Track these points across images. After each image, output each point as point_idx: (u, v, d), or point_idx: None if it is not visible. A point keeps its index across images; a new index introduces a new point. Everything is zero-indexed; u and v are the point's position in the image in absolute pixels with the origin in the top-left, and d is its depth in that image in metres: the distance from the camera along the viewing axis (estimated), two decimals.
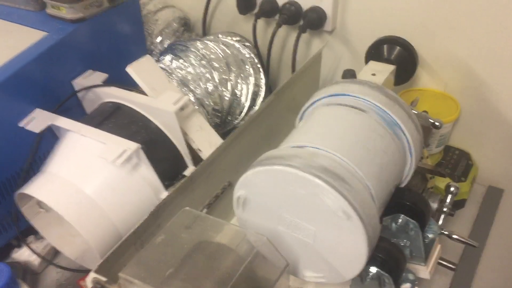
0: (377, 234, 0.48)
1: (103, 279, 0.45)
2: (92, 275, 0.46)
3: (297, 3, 0.91)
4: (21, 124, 0.72)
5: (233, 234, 0.49)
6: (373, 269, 0.50)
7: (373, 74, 0.74)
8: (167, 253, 0.46)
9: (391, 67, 0.76)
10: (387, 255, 0.49)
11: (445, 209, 0.65)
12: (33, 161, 0.74)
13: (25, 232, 0.76)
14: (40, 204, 0.74)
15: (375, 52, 0.80)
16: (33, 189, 0.67)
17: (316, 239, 0.48)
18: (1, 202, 0.73)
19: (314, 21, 0.90)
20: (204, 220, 0.50)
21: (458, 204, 0.87)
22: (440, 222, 0.65)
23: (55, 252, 0.79)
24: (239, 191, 0.52)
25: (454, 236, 0.65)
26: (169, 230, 0.48)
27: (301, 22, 0.92)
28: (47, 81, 0.75)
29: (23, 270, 0.73)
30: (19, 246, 0.77)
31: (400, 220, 0.55)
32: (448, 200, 0.66)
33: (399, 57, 0.79)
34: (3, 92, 0.69)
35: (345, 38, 0.93)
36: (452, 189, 0.66)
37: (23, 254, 0.76)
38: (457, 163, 0.89)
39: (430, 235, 0.58)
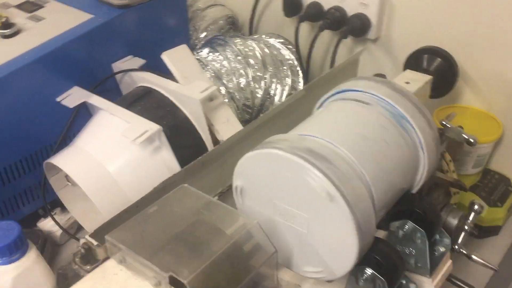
0: (372, 227, 0.46)
1: (94, 242, 0.46)
2: (83, 239, 0.47)
3: (342, 9, 0.91)
4: (58, 99, 0.75)
5: (228, 216, 0.49)
6: (369, 270, 0.47)
7: (407, 82, 0.72)
8: (157, 225, 0.46)
9: (427, 77, 0.73)
10: (383, 258, 0.47)
11: (466, 227, 0.61)
12: (66, 135, 0.77)
13: (53, 203, 0.78)
14: (67, 178, 0.77)
15: (414, 62, 0.78)
16: (58, 159, 0.69)
17: (309, 228, 0.47)
18: (33, 171, 0.76)
19: (357, 27, 0.89)
20: (200, 199, 0.50)
21: (491, 231, 0.82)
22: (460, 240, 0.61)
23: (78, 227, 0.81)
24: (236, 181, 0.52)
25: (473, 257, 0.61)
26: (163, 203, 0.48)
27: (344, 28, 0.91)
28: (88, 61, 0.78)
29: (44, 239, 0.75)
30: (44, 216, 0.80)
31: (407, 227, 0.52)
32: (470, 218, 0.62)
33: (438, 69, 0.76)
34: (44, 67, 0.73)
35: (388, 46, 0.91)
36: (475, 206, 0.62)
37: (46, 224, 0.78)
38: (495, 187, 0.83)
39: (441, 249, 0.55)
